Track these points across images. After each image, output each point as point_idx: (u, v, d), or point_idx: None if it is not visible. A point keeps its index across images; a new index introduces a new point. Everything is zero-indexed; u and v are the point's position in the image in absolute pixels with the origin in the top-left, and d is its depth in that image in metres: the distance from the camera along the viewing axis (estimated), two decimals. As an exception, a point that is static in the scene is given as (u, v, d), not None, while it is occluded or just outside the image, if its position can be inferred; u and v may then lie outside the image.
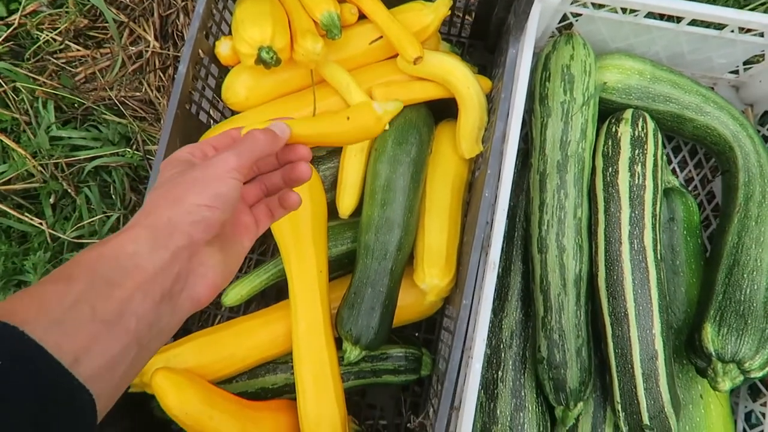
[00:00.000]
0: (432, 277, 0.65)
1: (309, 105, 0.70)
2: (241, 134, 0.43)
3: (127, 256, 0.33)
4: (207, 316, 0.81)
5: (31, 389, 0.26)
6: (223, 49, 0.71)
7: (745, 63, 0.78)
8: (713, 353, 0.61)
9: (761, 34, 0.69)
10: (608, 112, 0.74)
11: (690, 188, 0.83)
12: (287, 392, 0.70)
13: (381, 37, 0.69)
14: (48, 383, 0.27)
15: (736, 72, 0.80)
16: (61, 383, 0.28)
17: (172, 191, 0.37)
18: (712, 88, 0.84)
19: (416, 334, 0.80)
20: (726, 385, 0.61)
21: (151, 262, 0.34)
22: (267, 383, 0.70)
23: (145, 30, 0.84)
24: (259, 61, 0.64)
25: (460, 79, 0.70)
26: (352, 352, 0.65)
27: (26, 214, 0.78)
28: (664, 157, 0.72)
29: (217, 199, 0.37)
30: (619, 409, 0.64)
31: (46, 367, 0.27)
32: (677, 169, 0.83)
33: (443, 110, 0.75)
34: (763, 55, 0.74)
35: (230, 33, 0.73)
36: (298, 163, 0.45)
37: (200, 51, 0.70)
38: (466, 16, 0.83)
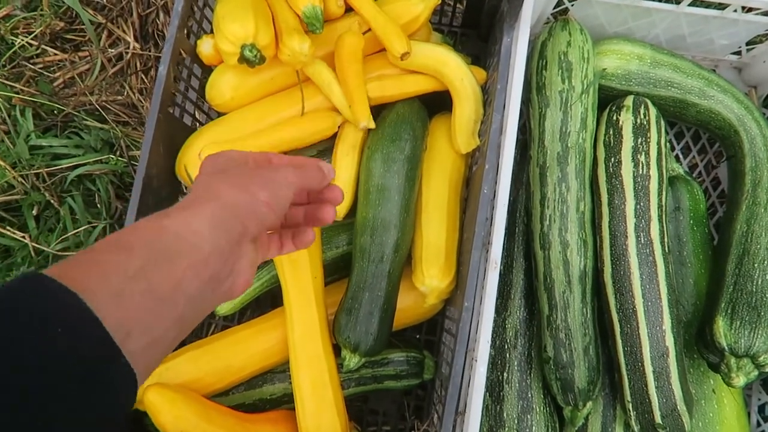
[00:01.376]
0: (431, 278, 0.63)
1: (297, 104, 0.67)
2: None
3: (188, 234, 0.33)
4: (200, 325, 0.78)
5: (79, 364, 0.26)
6: (205, 48, 0.68)
7: (748, 43, 0.75)
8: (726, 348, 0.59)
9: (765, 13, 0.66)
10: (608, 99, 0.71)
11: (694, 175, 0.80)
12: (286, 402, 0.67)
13: (370, 29, 0.66)
14: (98, 359, 0.26)
15: (738, 53, 0.77)
16: (110, 360, 0.27)
17: (236, 179, 0.37)
18: (714, 71, 0.81)
19: (417, 336, 0.77)
20: (740, 380, 0.58)
21: (209, 243, 0.33)
22: (265, 394, 0.67)
23: (124, 31, 0.80)
24: (243, 59, 0.61)
25: (454, 70, 0.67)
26: (352, 360, 0.63)
27: (8, 227, 0.75)
28: (668, 144, 0.69)
29: (276, 200, 0.37)
30: (630, 408, 0.62)
31: (98, 341, 0.27)
32: (680, 156, 0.81)
33: (437, 103, 0.72)
34: (767, 34, 0.71)
35: (212, 31, 0.69)
36: (326, 204, 0.45)
37: (181, 51, 0.67)
38: (458, 4, 0.80)
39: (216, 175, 0.38)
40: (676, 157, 0.81)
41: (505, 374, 0.67)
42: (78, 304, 0.26)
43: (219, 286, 0.36)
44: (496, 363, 0.68)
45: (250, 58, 0.60)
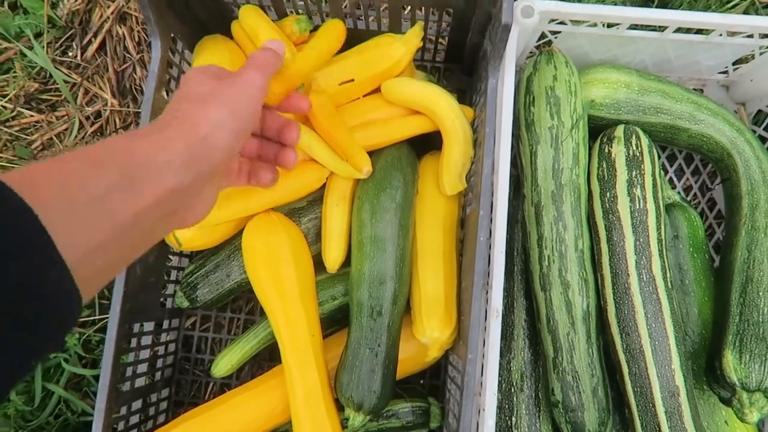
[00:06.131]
0: (432, 329, 0.61)
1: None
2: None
3: (158, 164, 0.32)
4: (198, 385, 0.76)
5: (26, 286, 0.24)
6: (185, 105, 0.66)
7: (734, 63, 0.74)
8: (737, 383, 0.58)
9: (750, 36, 0.66)
10: (598, 128, 0.70)
11: (689, 197, 0.79)
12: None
13: (352, 80, 0.65)
14: (45, 282, 0.25)
15: (725, 72, 0.77)
16: (58, 285, 0.25)
17: (207, 107, 0.37)
18: (702, 90, 0.80)
19: (421, 381, 0.75)
20: (754, 416, 0.57)
21: (175, 178, 0.33)
22: (269, 457, 0.65)
23: (101, 88, 0.78)
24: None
25: (445, 109, 0.65)
26: (356, 419, 0.61)
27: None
28: (662, 173, 0.68)
29: (244, 123, 0.38)
30: (644, 449, 0.60)
31: (48, 263, 0.25)
32: (674, 179, 0.80)
33: (425, 141, 0.71)
34: (753, 54, 0.70)
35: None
36: (287, 149, 0.48)
37: (161, 111, 0.65)
38: (440, 40, 0.78)
39: (190, 102, 0.37)
40: (670, 180, 0.80)
41: (513, 419, 0.66)
42: (32, 221, 0.24)
43: (173, 219, 0.35)
44: (504, 407, 0.66)
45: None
